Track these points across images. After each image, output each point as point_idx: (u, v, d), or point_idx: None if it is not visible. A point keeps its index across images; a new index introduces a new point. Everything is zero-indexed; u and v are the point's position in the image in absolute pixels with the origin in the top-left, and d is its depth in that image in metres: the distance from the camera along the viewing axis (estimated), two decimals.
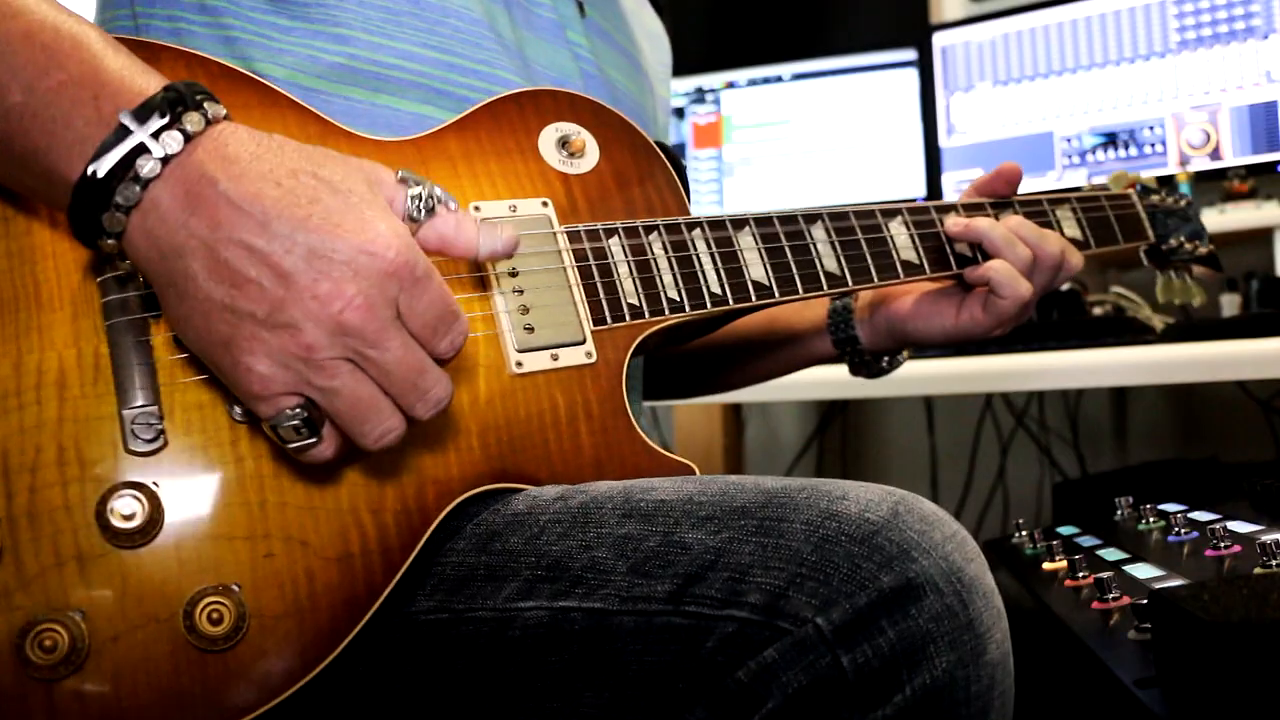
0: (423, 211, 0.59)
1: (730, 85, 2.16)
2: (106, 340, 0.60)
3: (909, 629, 0.56)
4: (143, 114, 0.54)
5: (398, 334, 0.55)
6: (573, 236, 0.76)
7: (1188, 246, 1.11)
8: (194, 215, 0.53)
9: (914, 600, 0.56)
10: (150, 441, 0.59)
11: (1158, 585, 0.83)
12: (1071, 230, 1.00)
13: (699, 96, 2.18)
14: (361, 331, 0.54)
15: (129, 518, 0.57)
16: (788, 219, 0.85)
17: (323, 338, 0.54)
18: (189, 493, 0.59)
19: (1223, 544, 0.89)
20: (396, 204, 0.58)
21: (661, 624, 0.60)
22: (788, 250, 0.84)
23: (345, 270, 0.53)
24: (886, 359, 1.03)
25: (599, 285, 0.75)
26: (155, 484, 0.58)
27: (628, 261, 0.77)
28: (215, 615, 0.57)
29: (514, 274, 0.73)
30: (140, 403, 0.59)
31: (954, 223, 0.92)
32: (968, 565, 0.59)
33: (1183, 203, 1.13)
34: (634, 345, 0.76)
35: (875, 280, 0.88)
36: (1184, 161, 1.80)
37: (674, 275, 0.78)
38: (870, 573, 0.56)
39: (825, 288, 0.85)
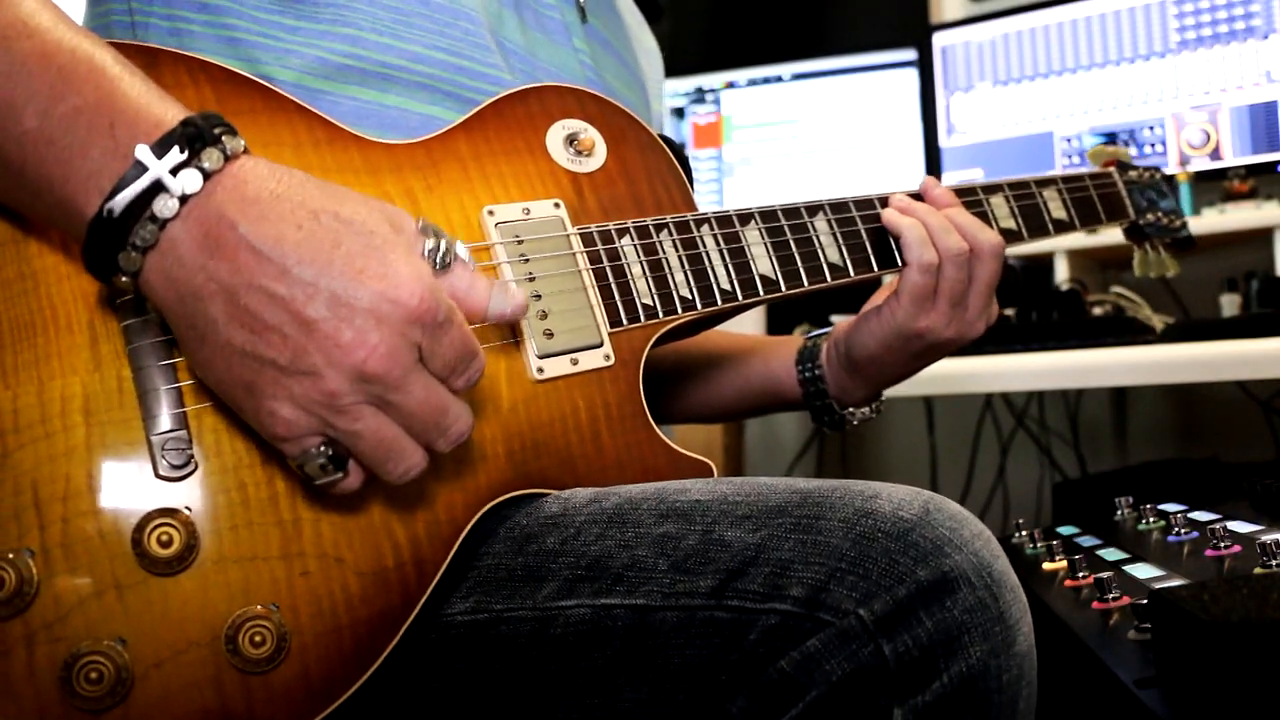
0: (438, 265, 0.58)
1: (730, 85, 2.16)
2: (130, 364, 0.59)
3: (945, 620, 0.58)
4: (160, 149, 0.53)
5: (420, 377, 0.55)
6: (586, 239, 0.76)
7: (1164, 221, 1.12)
8: (213, 259, 0.52)
9: (949, 593, 0.58)
10: (180, 466, 0.58)
11: (1158, 585, 0.83)
12: (1058, 211, 1.01)
13: (699, 96, 2.18)
14: (385, 378, 0.54)
15: (166, 545, 0.57)
16: (791, 211, 0.85)
17: (345, 385, 0.53)
18: (222, 515, 0.59)
19: (1223, 544, 0.89)
20: (415, 251, 0.58)
21: (704, 618, 0.61)
22: (792, 243, 0.84)
23: (368, 318, 0.53)
24: (851, 409, 0.97)
25: (614, 287, 0.76)
26: (188, 508, 0.58)
27: (640, 262, 0.77)
28: (258, 638, 0.57)
29: (531, 279, 0.73)
30: (168, 427, 0.58)
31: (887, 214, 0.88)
32: (995, 561, 0.61)
33: (1158, 176, 1.15)
34: (650, 345, 0.77)
35: (875, 270, 0.88)
36: (1184, 161, 1.80)
37: (685, 274, 0.79)
38: (907, 567, 0.59)
39: (829, 279, 0.86)
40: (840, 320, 0.98)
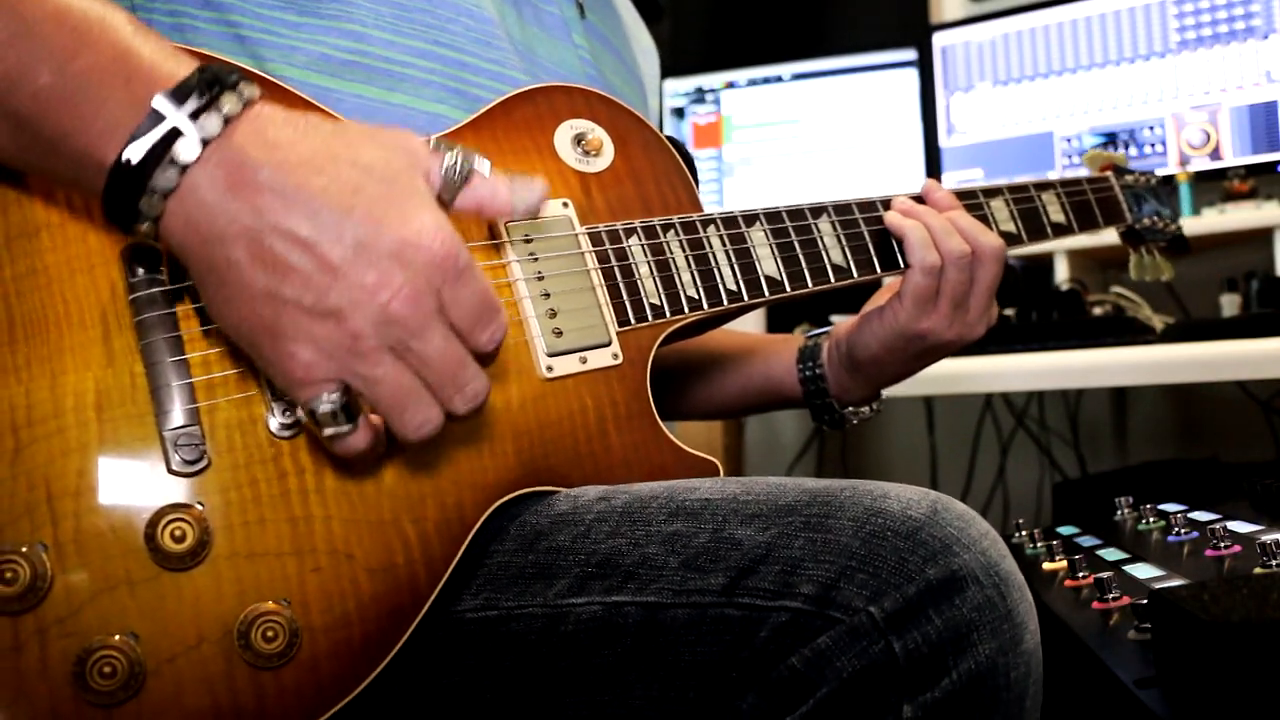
0: (459, 177, 0.59)
1: (730, 85, 2.16)
2: (142, 359, 0.59)
3: (955, 618, 0.59)
4: (178, 96, 0.53)
5: (440, 325, 0.55)
6: (594, 238, 0.77)
7: (1159, 224, 1.14)
8: (235, 201, 0.52)
9: (958, 591, 0.59)
10: (193, 462, 0.58)
11: (1158, 585, 0.83)
12: (1056, 214, 1.01)
13: (699, 96, 2.18)
14: (407, 321, 0.54)
15: (179, 540, 0.57)
16: (795, 213, 0.86)
17: (368, 327, 0.53)
18: (235, 511, 0.59)
19: (1223, 544, 0.89)
20: (433, 174, 0.58)
21: (715, 615, 0.62)
22: (796, 244, 0.85)
23: (391, 262, 0.53)
24: (851, 408, 0.98)
25: (621, 286, 0.76)
26: (201, 504, 0.58)
27: (648, 261, 0.78)
28: (270, 633, 0.58)
29: (540, 277, 0.73)
30: (180, 422, 0.59)
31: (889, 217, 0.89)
32: (1002, 560, 0.62)
33: (1154, 180, 1.16)
34: (657, 344, 0.77)
35: (878, 272, 0.88)
36: (1184, 161, 1.80)
37: (692, 274, 0.79)
38: (917, 565, 0.59)
39: (833, 280, 0.86)
40: (840, 320, 0.99)
